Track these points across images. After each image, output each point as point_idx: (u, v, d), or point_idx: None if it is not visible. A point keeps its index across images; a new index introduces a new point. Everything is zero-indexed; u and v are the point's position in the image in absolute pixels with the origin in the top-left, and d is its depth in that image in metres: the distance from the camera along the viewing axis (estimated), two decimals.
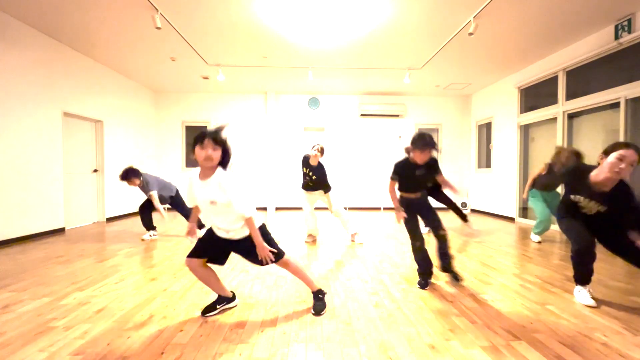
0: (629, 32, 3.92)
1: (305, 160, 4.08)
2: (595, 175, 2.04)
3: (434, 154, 2.49)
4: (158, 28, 3.89)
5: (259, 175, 7.75)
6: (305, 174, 4.11)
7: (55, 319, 1.96)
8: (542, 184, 3.96)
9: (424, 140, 2.36)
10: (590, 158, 4.71)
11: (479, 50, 5.02)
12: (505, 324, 1.91)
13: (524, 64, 5.64)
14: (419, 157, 2.40)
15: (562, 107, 5.03)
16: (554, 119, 5.22)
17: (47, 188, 4.57)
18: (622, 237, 2.09)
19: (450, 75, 6.31)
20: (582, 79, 4.76)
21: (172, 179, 7.72)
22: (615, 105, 4.25)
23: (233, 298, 2.15)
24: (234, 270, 2.94)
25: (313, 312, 2.06)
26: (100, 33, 4.45)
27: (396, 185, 2.61)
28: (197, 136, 1.79)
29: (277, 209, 7.63)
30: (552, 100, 5.25)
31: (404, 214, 2.54)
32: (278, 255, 1.97)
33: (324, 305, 2.11)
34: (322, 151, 3.97)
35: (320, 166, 4.03)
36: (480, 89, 7.35)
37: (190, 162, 7.84)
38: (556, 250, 3.78)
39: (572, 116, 4.98)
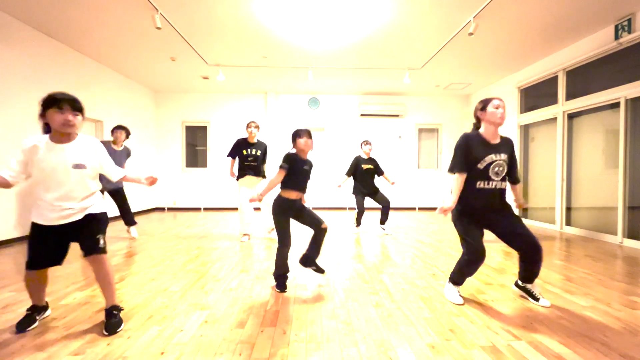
0: (629, 32, 3.92)
1: (242, 142, 4.17)
2: (486, 131, 2.15)
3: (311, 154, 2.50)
4: (158, 28, 3.89)
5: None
6: (245, 157, 4.14)
7: (55, 319, 1.96)
8: None
9: (306, 130, 2.44)
10: (590, 158, 4.72)
11: (479, 50, 5.02)
12: (505, 324, 1.91)
13: (524, 64, 5.64)
14: (306, 146, 2.41)
15: (562, 107, 5.03)
16: (554, 119, 5.22)
17: None
18: (512, 218, 2.15)
19: (450, 75, 6.31)
20: (582, 79, 4.76)
21: (173, 179, 7.73)
22: (615, 105, 4.25)
23: (47, 307, 2.00)
24: (234, 270, 2.94)
25: (107, 331, 1.77)
26: (100, 33, 4.45)
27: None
28: (51, 99, 1.70)
29: None
30: (552, 100, 5.25)
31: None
32: (102, 250, 1.82)
33: (120, 322, 1.86)
34: (258, 127, 4.18)
35: (261, 143, 4.24)
36: (480, 89, 7.34)
37: (191, 161, 7.85)
38: (556, 250, 3.78)
39: (572, 116, 4.98)
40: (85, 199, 1.84)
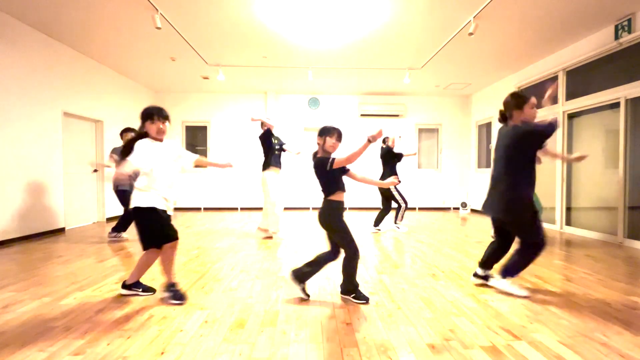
0: (629, 32, 3.92)
1: (269, 132, 4.26)
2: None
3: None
4: (158, 28, 3.89)
5: (259, 175, 7.74)
6: (274, 146, 4.26)
7: (56, 319, 1.96)
8: None
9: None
10: (590, 158, 4.72)
11: (479, 50, 5.02)
12: (505, 324, 1.91)
13: (524, 64, 5.64)
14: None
15: (562, 107, 5.03)
16: None
17: (47, 188, 4.57)
18: None
19: (450, 75, 6.30)
20: (582, 79, 4.76)
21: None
22: (615, 105, 4.24)
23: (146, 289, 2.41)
24: (234, 270, 2.94)
25: (173, 300, 2.21)
26: (101, 33, 4.45)
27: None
28: (154, 112, 2.15)
29: None
30: (552, 100, 5.24)
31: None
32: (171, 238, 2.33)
33: (177, 295, 2.24)
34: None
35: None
36: (480, 89, 7.34)
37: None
38: (556, 250, 3.78)
39: (572, 116, 4.98)
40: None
